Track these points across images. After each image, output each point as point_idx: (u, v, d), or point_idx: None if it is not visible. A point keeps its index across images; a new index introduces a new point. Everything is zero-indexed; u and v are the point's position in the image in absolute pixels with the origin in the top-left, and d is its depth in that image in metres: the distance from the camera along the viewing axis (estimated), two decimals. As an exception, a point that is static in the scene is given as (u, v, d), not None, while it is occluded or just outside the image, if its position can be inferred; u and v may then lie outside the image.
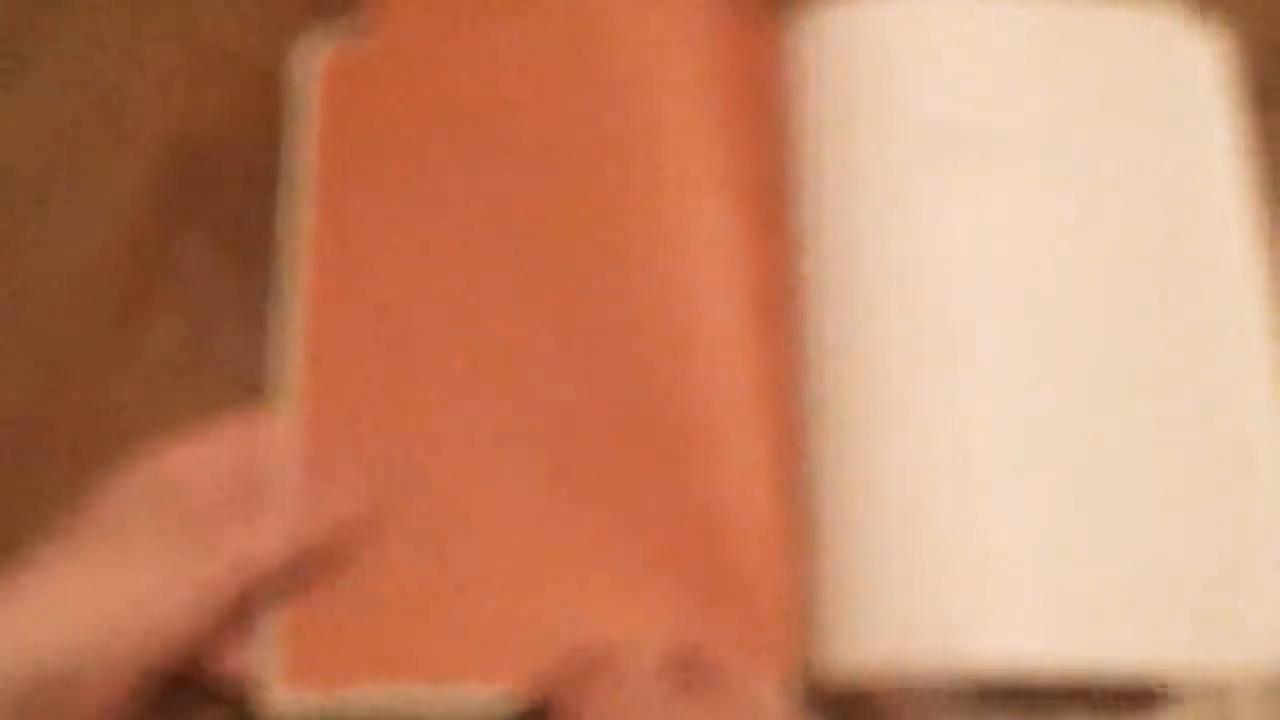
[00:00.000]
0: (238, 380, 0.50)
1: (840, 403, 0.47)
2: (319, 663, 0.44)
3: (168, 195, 0.53)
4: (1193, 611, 0.45)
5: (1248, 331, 0.48)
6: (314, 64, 0.52)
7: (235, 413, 0.48)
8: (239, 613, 0.44)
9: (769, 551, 0.46)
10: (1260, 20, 0.54)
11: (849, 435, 0.46)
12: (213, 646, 0.44)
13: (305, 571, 0.45)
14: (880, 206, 0.49)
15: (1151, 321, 0.48)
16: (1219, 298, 0.49)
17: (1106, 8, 0.52)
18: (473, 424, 0.47)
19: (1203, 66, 0.52)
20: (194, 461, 0.45)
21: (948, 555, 0.45)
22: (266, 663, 0.44)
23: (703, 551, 0.46)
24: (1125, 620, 0.45)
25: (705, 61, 0.51)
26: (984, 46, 0.51)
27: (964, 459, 0.46)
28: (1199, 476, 0.47)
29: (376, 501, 0.46)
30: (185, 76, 0.54)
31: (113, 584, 0.40)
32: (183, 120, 0.54)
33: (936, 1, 0.51)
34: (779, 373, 0.48)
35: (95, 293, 0.51)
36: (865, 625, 0.44)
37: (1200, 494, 0.46)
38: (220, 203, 0.52)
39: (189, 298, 0.51)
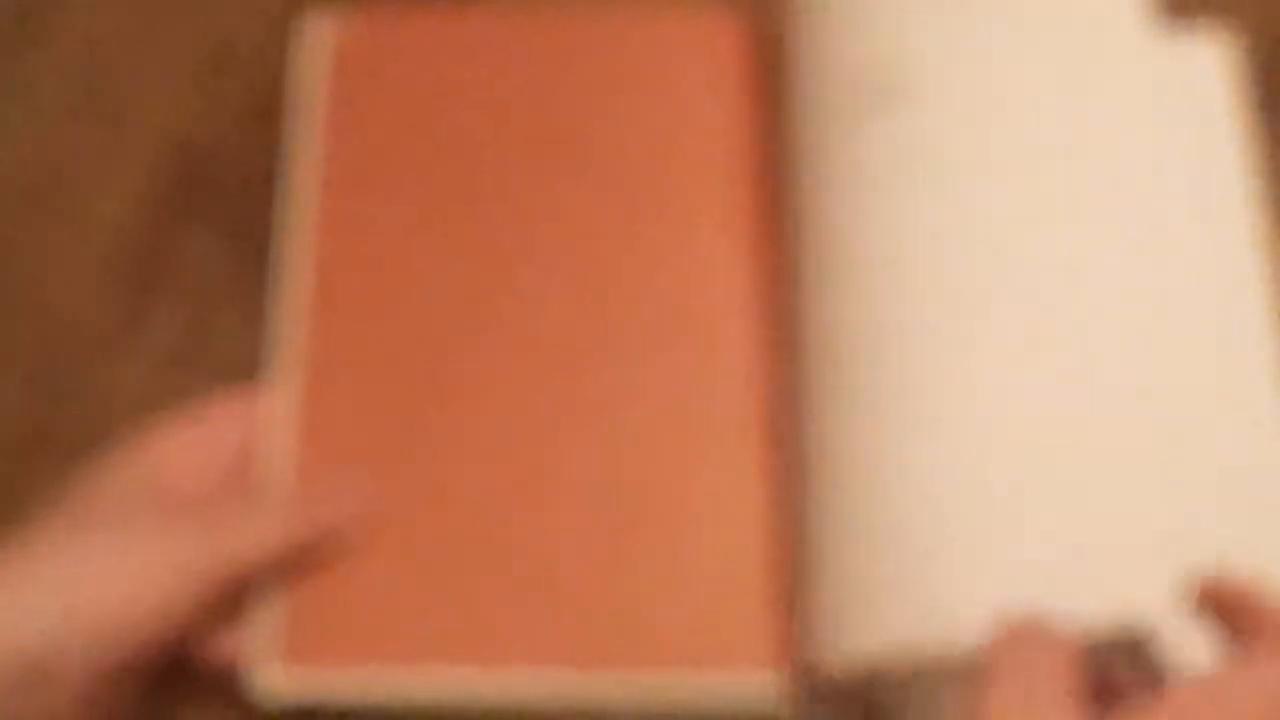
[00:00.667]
0: (238, 376, 0.50)
1: (831, 393, 0.47)
2: (315, 643, 0.44)
3: (168, 192, 0.53)
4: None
5: (1245, 324, 0.48)
6: (314, 55, 0.52)
7: (226, 395, 0.48)
8: (231, 603, 0.44)
9: (766, 541, 0.46)
10: (1260, 13, 0.55)
11: (840, 426, 0.46)
12: (205, 637, 0.44)
13: (301, 561, 0.45)
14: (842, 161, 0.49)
15: (1136, 304, 0.48)
16: (1212, 285, 0.49)
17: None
18: (470, 418, 0.47)
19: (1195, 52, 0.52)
20: (184, 447, 0.44)
21: (942, 542, 0.44)
22: (262, 642, 0.44)
23: (700, 542, 0.46)
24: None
25: (721, 83, 0.51)
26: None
27: (952, 441, 0.45)
28: (1193, 459, 0.46)
29: (372, 501, 0.46)
30: (186, 73, 0.55)
31: (97, 568, 0.40)
32: (183, 117, 0.54)
33: None
34: (775, 377, 0.48)
35: (96, 290, 0.52)
36: (863, 615, 0.44)
37: (1200, 479, 0.46)
38: (220, 199, 0.53)
39: (189, 294, 0.51)
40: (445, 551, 0.46)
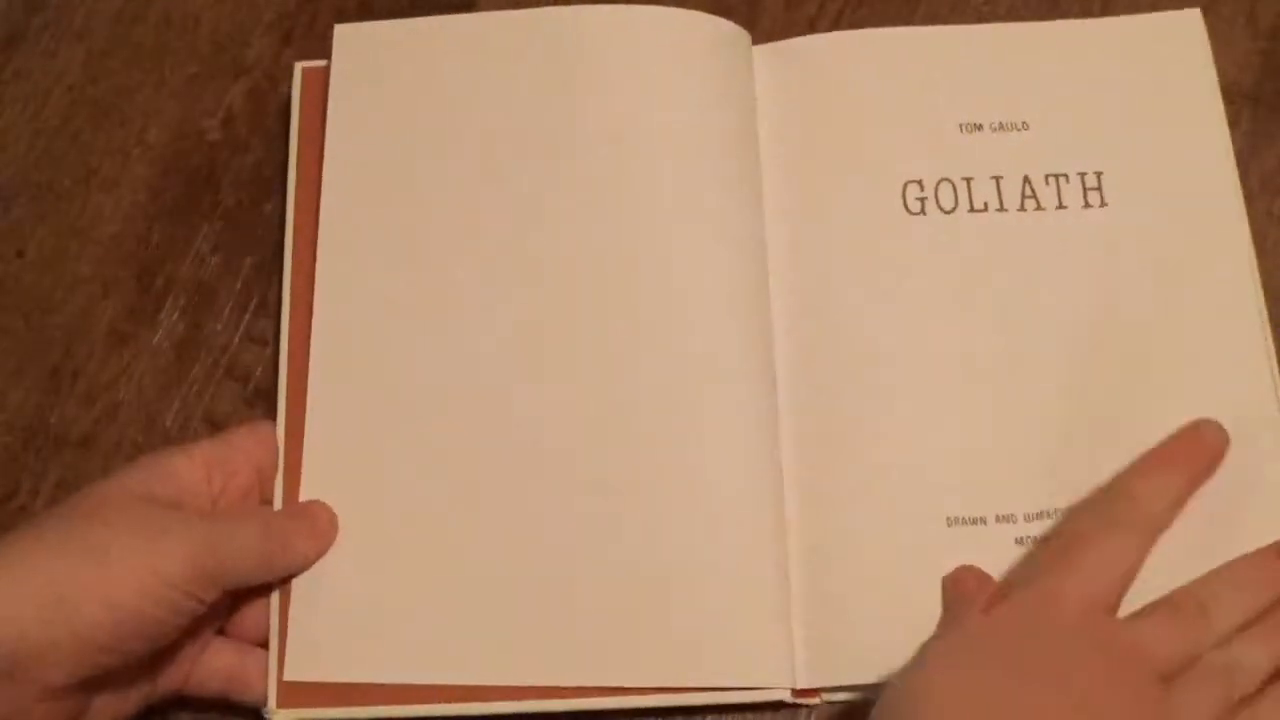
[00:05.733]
0: (239, 382, 0.50)
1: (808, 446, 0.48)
2: (315, 685, 0.44)
3: (171, 199, 0.53)
4: None
5: (1239, 344, 0.49)
6: (307, 72, 0.52)
7: (239, 420, 0.48)
8: (217, 616, 0.44)
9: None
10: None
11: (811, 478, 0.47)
12: (198, 655, 0.44)
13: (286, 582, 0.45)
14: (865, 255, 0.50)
15: (1133, 338, 0.49)
16: (1208, 310, 0.49)
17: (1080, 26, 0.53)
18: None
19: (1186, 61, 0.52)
20: (202, 465, 0.44)
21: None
22: (265, 679, 0.44)
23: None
24: None
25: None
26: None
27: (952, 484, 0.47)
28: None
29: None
30: (189, 80, 0.55)
31: (79, 570, 0.39)
32: (186, 124, 0.54)
33: (895, 37, 0.53)
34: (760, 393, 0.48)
35: (99, 294, 0.51)
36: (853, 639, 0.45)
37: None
38: (224, 206, 0.53)
39: (191, 299, 0.51)
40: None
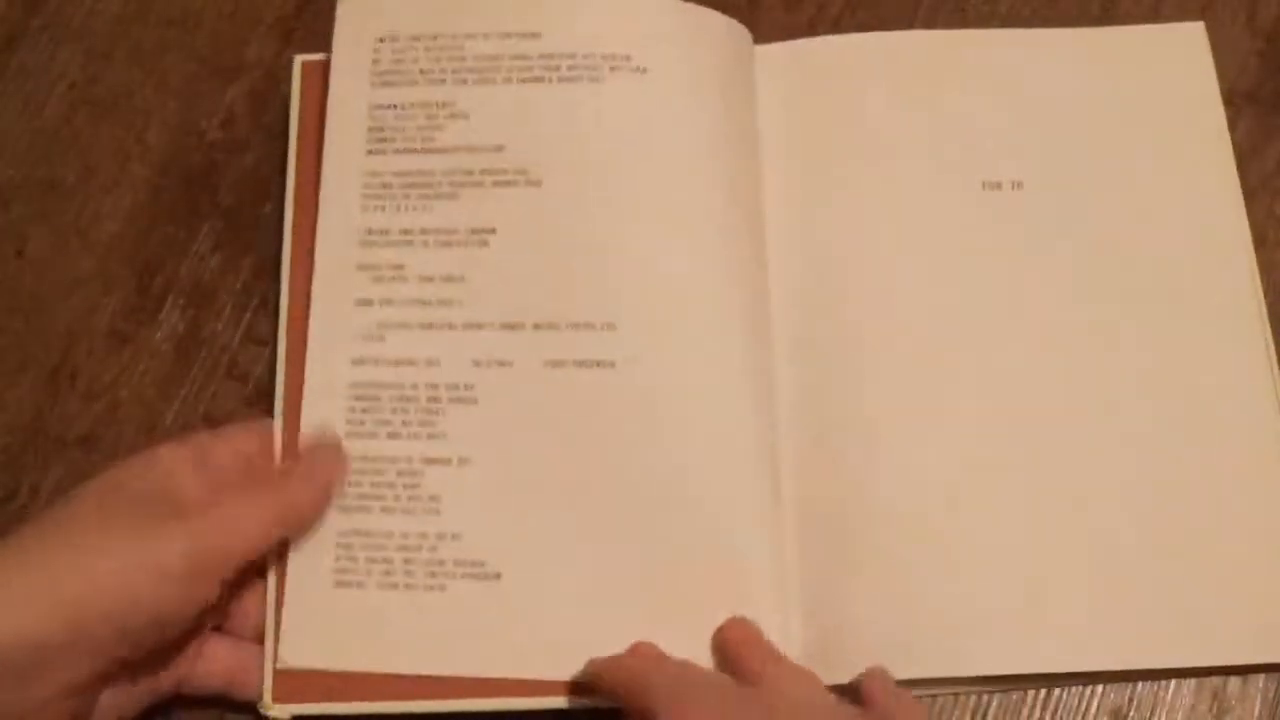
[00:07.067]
0: (239, 382, 0.50)
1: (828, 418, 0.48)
2: (313, 677, 0.44)
3: (171, 199, 0.53)
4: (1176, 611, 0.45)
5: (1239, 340, 0.49)
6: (306, 65, 0.52)
7: (239, 418, 0.48)
8: (222, 604, 0.44)
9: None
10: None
11: (838, 451, 0.47)
12: (197, 653, 0.44)
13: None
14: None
15: (1135, 333, 0.49)
16: (1209, 308, 0.49)
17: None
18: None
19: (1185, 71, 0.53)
20: (184, 460, 0.44)
21: (948, 565, 0.46)
22: (262, 674, 0.44)
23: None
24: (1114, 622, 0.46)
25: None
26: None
27: (952, 474, 0.47)
28: (1182, 481, 0.47)
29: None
30: (189, 80, 0.55)
31: (85, 566, 0.39)
32: (186, 124, 0.54)
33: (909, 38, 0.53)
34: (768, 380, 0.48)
35: (98, 294, 0.51)
36: (868, 631, 0.45)
37: (1185, 497, 0.47)
38: (223, 206, 0.53)
39: (191, 299, 0.51)
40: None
